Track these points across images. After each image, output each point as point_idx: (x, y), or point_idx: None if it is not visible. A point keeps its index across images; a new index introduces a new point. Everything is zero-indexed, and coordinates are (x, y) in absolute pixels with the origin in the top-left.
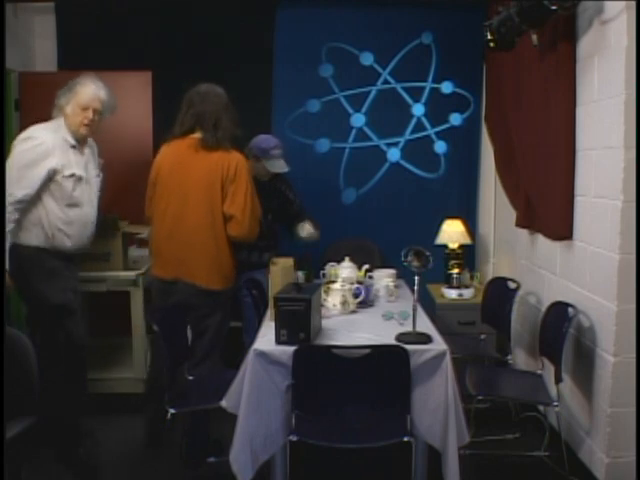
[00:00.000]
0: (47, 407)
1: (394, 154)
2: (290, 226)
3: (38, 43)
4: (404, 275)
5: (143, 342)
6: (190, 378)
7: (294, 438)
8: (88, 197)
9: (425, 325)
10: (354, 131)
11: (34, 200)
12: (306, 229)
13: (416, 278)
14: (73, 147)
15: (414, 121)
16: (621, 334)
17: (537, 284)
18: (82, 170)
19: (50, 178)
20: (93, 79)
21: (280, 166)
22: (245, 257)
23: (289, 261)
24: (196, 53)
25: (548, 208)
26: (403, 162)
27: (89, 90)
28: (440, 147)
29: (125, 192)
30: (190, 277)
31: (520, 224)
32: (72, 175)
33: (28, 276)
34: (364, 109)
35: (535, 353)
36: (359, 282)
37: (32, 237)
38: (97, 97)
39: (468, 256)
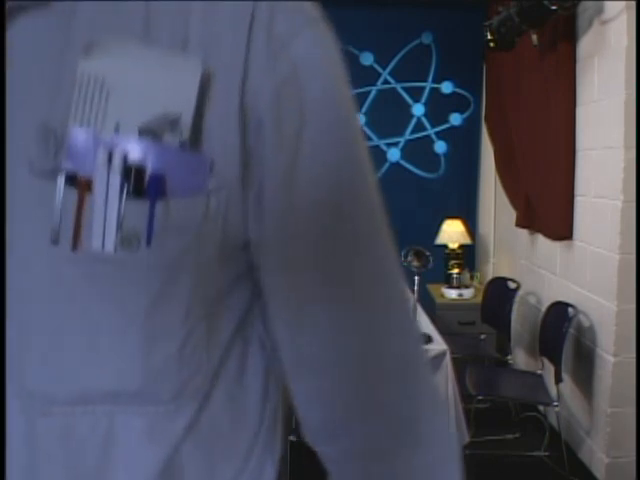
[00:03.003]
0: None
1: (394, 154)
2: None
3: None
4: (404, 275)
5: None
6: None
7: (294, 438)
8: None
9: (425, 325)
10: None
11: None
12: None
13: (416, 278)
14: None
15: (414, 121)
16: (621, 334)
17: (537, 284)
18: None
19: None
20: None
21: None
22: None
23: None
24: None
25: (548, 208)
26: (403, 162)
27: None
28: (440, 147)
29: None
30: None
31: (520, 224)
32: None
33: None
34: (364, 109)
35: (535, 353)
36: None
37: None
38: None
39: (468, 256)
